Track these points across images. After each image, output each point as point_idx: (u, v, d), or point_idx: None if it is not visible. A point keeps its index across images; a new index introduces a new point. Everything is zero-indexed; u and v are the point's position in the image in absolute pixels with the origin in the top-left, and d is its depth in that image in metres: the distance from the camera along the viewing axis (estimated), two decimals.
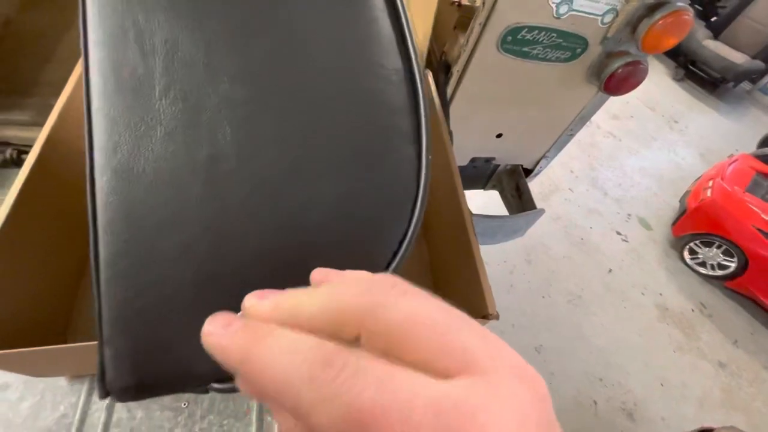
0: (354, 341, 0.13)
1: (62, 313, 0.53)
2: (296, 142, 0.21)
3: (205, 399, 0.51)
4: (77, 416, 0.48)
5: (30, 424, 0.47)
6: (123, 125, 0.20)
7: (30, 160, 0.47)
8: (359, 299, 0.13)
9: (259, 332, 0.13)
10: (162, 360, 0.19)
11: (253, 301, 0.15)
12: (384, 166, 0.22)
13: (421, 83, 0.24)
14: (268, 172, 0.21)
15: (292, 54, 0.22)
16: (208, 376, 0.19)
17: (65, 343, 0.41)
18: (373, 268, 0.17)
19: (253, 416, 0.51)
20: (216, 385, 0.20)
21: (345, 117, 0.22)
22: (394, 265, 0.22)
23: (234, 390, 0.19)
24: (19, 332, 0.44)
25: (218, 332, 0.14)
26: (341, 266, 0.16)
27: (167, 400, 0.50)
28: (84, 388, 0.50)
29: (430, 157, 0.23)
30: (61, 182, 0.53)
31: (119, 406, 0.49)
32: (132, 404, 0.50)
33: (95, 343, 0.40)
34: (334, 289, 0.14)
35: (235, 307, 0.16)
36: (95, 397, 0.49)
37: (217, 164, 0.20)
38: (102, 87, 0.21)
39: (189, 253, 0.19)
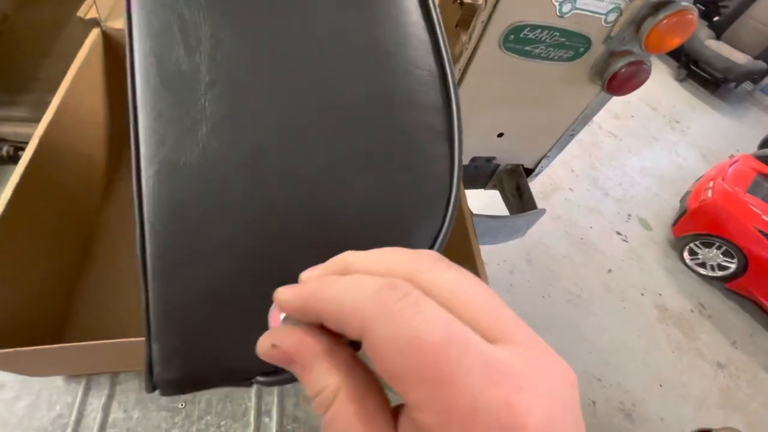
0: None
1: (59, 312, 0.53)
2: (335, 139, 0.22)
3: (203, 399, 0.51)
4: (73, 416, 0.47)
5: (26, 424, 0.46)
6: (168, 119, 0.20)
7: (26, 157, 0.47)
8: (408, 262, 0.14)
9: (327, 277, 0.15)
10: (209, 353, 0.20)
11: (309, 271, 0.16)
12: (418, 164, 0.23)
13: (454, 84, 0.24)
14: (309, 168, 0.21)
15: (330, 53, 0.23)
16: (255, 368, 0.20)
17: (62, 342, 0.41)
18: None
19: (251, 417, 0.50)
20: (261, 378, 0.20)
21: (380, 116, 0.23)
22: None
23: (279, 383, 0.20)
24: (15, 331, 0.44)
25: (289, 286, 0.15)
26: None
27: (164, 400, 0.50)
28: (80, 387, 0.49)
29: (462, 156, 0.24)
30: (57, 180, 0.52)
31: (115, 407, 0.49)
32: (129, 404, 0.49)
33: (92, 342, 0.40)
34: (384, 251, 0.15)
35: None
36: (91, 397, 0.49)
37: (261, 159, 0.21)
38: (147, 81, 0.21)
39: (234, 246, 0.20)
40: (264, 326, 0.17)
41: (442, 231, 0.23)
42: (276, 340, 0.15)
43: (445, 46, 0.25)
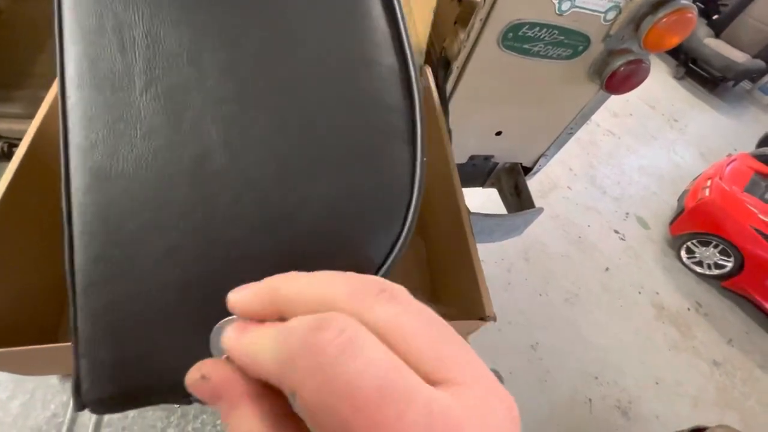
0: None
1: (53, 311, 0.52)
2: (286, 142, 0.20)
3: None
4: (68, 415, 0.47)
5: (20, 423, 0.46)
6: (101, 123, 0.19)
7: (19, 153, 0.46)
8: (345, 296, 0.13)
9: (257, 330, 0.13)
10: (143, 370, 0.18)
11: (238, 294, 0.15)
12: (377, 167, 0.21)
13: (417, 82, 0.23)
14: (257, 173, 0.20)
15: (282, 50, 0.21)
16: None
17: (56, 341, 0.41)
18: (364, 271, 0.16)
19: None
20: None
21: (337, 116, 0.21)
22: (384, 269, 0.21)
23: None
24: (9, 331, 0.44)
25: (237, 329, 0.14)
26: (332, 269, 0.15)
27: None
28: None
29: (425, 159, 0.22)
30: (51, 177, 0.52)
31: None
32: None
33: None
34: (319, 279, 0.14)
35: (221, 312, 0.15)
36: None
37: (203, 164, 0.19)
38: (78, 82, 0.20)
39: (173, 257, 0.18)
40: (203, 342, 0.16)
41: (401, 237, 0.21)
42: (206, 371, 0.14)
43: (407, 40, 0.23)
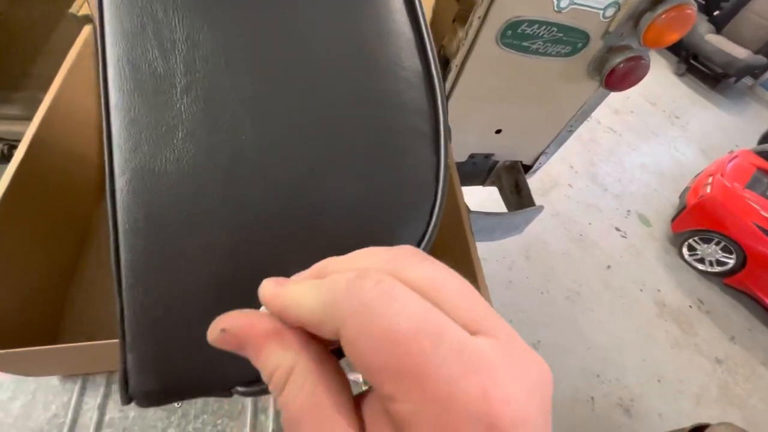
0: None
1: (54, 312, 0.53)
2: (315, 142, 0.21)
3: (199, 399, 0.51)
4: (69, 416, 0.47)
5: (21, 424, 0.46)
6: (143, 125, 0.20)
7: (18, 155, 0.46)
8: (384, 261, 0.14)
9: (304, 281, 0.15)
10: (186, 364, 0.19)
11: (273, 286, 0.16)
12: (402, 167, 0.22)
13: (440, 84, 0.24)
14: (287, 172, 0.21)
15: (310, 53, 0.22)
16: (233, 379, 0.20)
17: (56, 343, 0.41)
18: None
19: (248, 415, 0.50)
20: (241, 389, 0.20)
21: (363, 117, 0.22)
22: None
23: (260, 393, 0.19)
24: (9, 332, 0.44)
25: (274, 281, 0.15)
26: None
27: None
28: (76, 387, 0.49)
29: (448, 158, 0.23)
30: (50, 178, 0.52)
31: (111, 406, 0.49)
32: None
33: (87, 343, 0.40)
34: (361, 252, 0.15)
35: (256, 307, 0.16)
36: (87, 397, 0.49)
37: (238, 164, 0.20)
38: (120, 85, 0.20)
39: (209, 254, 0.19)
40: None
41: (426, 236, 0.22)
42: (225, 324, 0.15)
43: (430, 44, 0.24)
